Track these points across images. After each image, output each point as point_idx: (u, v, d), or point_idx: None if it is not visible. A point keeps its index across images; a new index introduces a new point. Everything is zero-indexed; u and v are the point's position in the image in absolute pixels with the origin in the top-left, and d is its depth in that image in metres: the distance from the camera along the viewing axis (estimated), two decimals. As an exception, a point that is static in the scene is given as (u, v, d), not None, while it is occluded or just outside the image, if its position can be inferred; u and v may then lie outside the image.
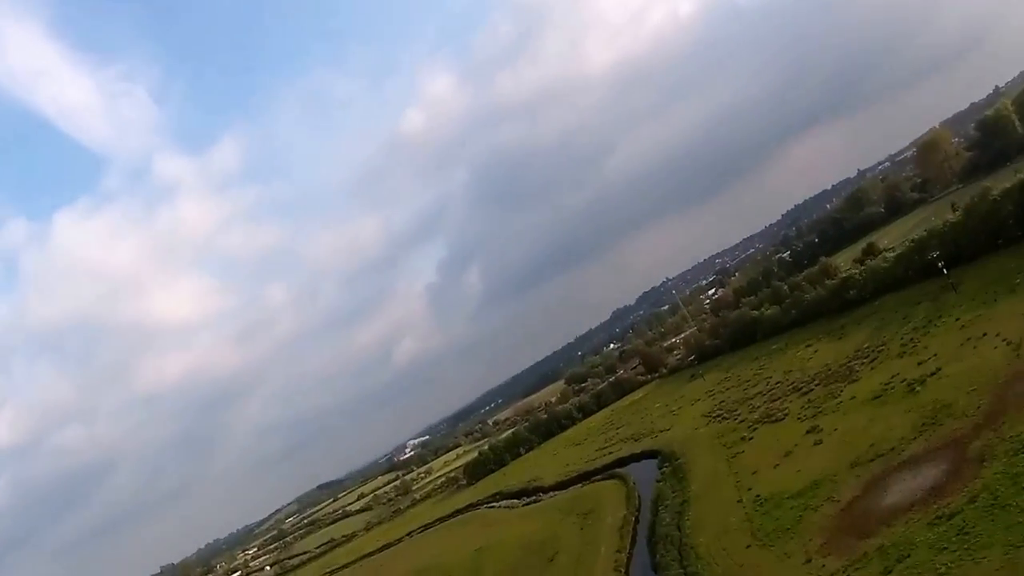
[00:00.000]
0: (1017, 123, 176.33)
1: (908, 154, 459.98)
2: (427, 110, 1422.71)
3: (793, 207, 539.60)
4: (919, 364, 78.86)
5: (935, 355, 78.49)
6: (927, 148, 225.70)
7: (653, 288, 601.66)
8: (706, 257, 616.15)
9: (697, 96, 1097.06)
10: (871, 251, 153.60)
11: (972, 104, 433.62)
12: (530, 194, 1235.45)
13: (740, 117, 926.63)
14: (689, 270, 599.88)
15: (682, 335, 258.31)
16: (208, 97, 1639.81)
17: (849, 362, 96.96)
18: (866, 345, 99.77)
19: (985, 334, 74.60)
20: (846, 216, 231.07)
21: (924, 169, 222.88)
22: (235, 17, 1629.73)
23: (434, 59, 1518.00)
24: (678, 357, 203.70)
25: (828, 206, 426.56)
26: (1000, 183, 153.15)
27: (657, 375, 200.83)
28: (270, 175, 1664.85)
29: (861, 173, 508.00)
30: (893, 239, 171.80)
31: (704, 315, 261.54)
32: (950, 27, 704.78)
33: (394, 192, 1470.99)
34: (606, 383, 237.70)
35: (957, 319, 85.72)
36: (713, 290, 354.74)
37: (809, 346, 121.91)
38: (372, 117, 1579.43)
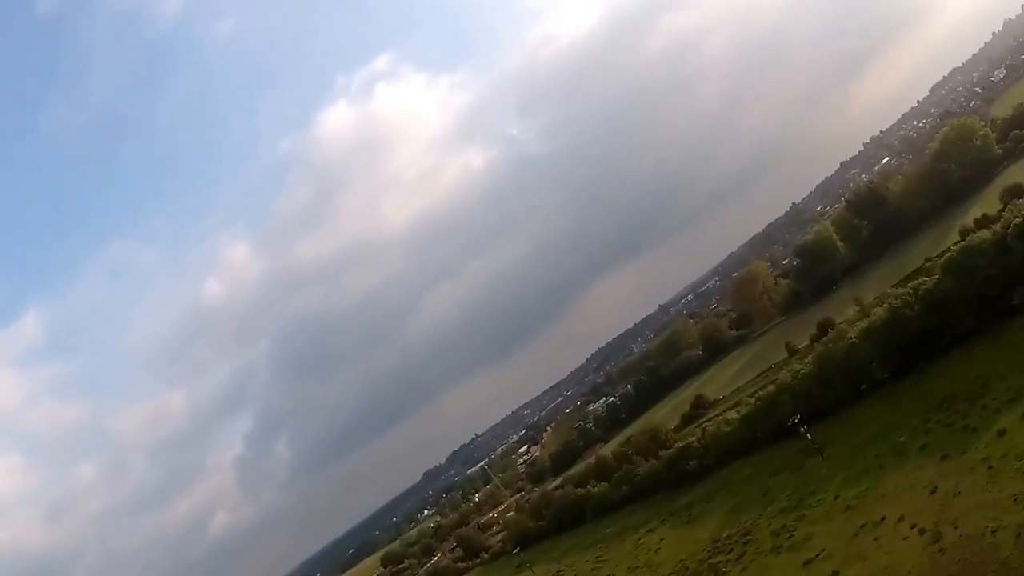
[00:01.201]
0: (840, 245, 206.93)
1: (711, 283, 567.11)
2: (227, 278, 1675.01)
3: (597, 349, 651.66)
4: (805, 564, 76.57)
5: (824, 550, 76.18)
6: (744, 282, 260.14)
7: (463, 446, 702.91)
8: (514, 409, 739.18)
9: (495, 247, 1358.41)
10: (700, 404, 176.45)
11: (768, 225, 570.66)
12: (335, 358, 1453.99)
13: (539, 264, 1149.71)
14: (498, 424, 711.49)
15: (500, 507, 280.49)
16: (7, 271, 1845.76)
17: (709, 558, 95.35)
18: (725, 534, 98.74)
19: (884, 518, 72.98)
20: (662, 363, 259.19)
21: (741, 304, 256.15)
22: (33, 184, 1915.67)
23: (233, 226, 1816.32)
24: (499, 539, 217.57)
25: (634, 346, 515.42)
26: (828, 311, 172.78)
27: (478, 561, 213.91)
28: (75, 348, 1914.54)
29: (663, 308, 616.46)
30: (720, 386, 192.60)
31: (521, 480, 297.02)
32: (740, 156, 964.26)
33: (198, 363, 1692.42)
34: (423, 571, 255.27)
35: (837, 496, 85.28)
36: (525, 447, 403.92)
37: (651, 531, 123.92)
38: (174, 287, 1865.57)
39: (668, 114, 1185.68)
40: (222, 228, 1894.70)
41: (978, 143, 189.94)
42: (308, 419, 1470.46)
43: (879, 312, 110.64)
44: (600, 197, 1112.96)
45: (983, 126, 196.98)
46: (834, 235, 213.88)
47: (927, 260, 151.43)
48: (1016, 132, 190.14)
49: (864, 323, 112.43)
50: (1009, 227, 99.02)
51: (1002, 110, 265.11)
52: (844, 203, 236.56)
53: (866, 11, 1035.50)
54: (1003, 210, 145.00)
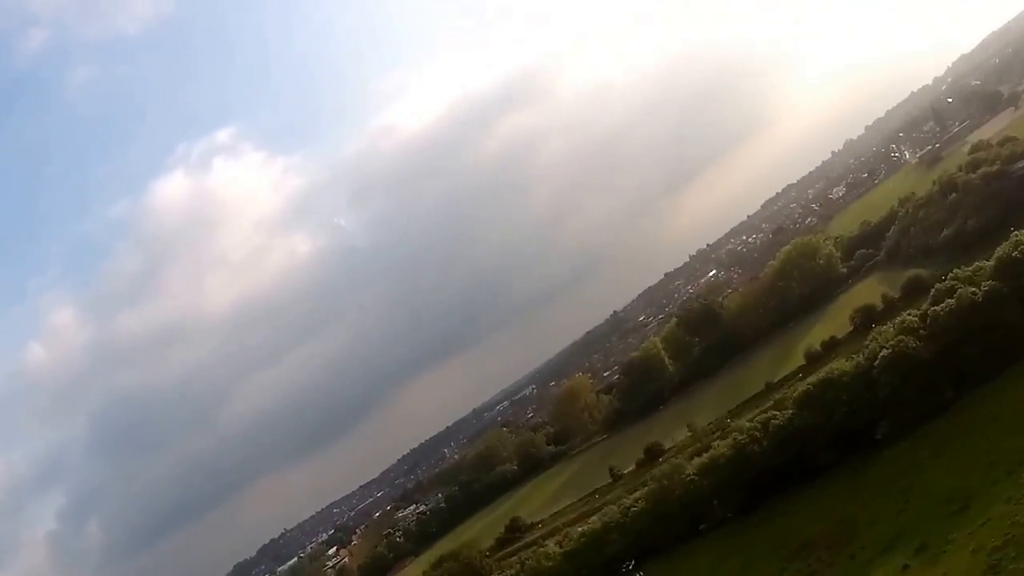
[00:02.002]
0: (668, 362, 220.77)
1: (528, 390, 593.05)
2: (49, 345, 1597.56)
3: (410, 451, 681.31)
4: None
5: None
6: (564, 397, 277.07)
7: (273, 540, 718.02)
8: (324, 507, 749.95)
9: (316, 338, 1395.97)
10: (517, 527, 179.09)
11: (588, 332, 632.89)
12: (153, 438, 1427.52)
13: (358, 359, 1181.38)
14: (308, 520, 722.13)
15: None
16: None
17: None
18: None
19: None
20: (475, 477, 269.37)
21: (561, 418, 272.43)
22: None
23: (57, 289, 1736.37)
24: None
25: (446, 451, 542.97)
26: (654, 431, 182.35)
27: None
28: None
29: (477, 412, 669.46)
30: (537, 507, 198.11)
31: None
32: (565, 260, 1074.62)
33: (16, 432, 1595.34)
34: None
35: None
36: (334, 549, 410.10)
37: None
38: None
39: (501, 214, 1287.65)
40: (48, 289, 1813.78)
41: (822, 262, 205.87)
42: (124, 499, 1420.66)
43: (722, 448, 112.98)
44: (424, 294, 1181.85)
45: (828, 245, 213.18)
46: (663, 352, 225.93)
47: (767, 384, 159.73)
48: (862, 251, 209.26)
49: (704, 458, 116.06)
50: (875, 359, 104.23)
51: (842, 227, 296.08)
52: (675, 320, 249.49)
53: (701, 124, 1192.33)
54: (853, 331, 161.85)
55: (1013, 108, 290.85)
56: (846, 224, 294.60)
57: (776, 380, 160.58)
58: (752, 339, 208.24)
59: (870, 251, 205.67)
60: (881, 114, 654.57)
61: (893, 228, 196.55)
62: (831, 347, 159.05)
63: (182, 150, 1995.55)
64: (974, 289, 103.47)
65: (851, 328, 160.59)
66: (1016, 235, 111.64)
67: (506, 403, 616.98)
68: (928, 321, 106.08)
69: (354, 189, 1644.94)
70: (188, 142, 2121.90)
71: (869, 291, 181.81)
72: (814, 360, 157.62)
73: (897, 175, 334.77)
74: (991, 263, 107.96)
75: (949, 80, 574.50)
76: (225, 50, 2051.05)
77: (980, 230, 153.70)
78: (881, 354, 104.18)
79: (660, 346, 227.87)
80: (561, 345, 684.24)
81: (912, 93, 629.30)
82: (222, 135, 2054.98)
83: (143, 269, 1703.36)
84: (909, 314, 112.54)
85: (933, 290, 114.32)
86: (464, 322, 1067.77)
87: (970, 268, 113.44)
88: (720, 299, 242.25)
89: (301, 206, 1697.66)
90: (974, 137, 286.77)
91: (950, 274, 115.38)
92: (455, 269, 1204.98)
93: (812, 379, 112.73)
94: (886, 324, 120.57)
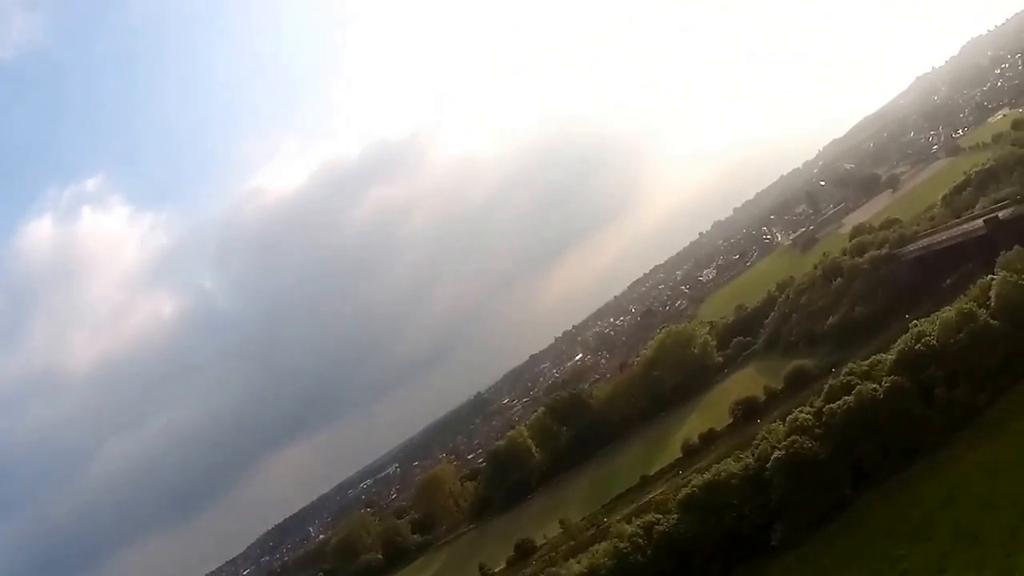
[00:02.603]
0: (535, 450, 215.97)
1: (392, 469, 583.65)
2: None
3: (274, 526, 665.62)
4: None
5: None
6: (428, 484, 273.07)
7: None
8: None
9: (177, 402, 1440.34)
10: None
11: (451, 411, 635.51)
12: (6, 495, 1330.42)
13: (220, 427, 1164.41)
14: None
15: None
16: None
17: None
18: None
19: None
20: (339, 565, 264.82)
21: (425, 506, 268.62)
22: None
23: None
24: None
25: (311, 528, 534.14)
26: (522, 522, 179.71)
27: None
28: None
29: (341, 488, 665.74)
30: None
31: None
32: (430, 336, 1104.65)
33: None
34: None
35: None
36: None
37: None
38: None
39: (365, 285, 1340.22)
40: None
41: (696, 350, 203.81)
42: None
43: (602, 556, 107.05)
44: (288, 363, 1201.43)
45: (702, 332, 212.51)
46: (529, 440, 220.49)
47: (643, 477, 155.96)
48: (738, 339, 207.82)
49: (583, 566, 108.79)
50: (767, 460, 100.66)
51: (714, 311, 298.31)
52: (542, 408, 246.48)
53: (571, 200, 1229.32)
54: (734, 424, 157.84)
55: (891, 191, 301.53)
56: (718, 308, 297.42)
57: (652, 473, 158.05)
58: (623, 428, 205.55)
59: (747, 339, 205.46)
60: (750, 196, 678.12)
61: (772, 315, 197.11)
62: (710, 440, 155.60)
63: (52, 194, 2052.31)
64: (875, 385, 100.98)
65: (731, 421, 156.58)
66: (916, 326, 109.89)
67: (370, 481, 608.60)
68: (823, 419, 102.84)
69: (220, 250, 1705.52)
70: (58, 186, 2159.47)
71: (747, 381, 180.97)
72: (692, 453, 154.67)
73: (770, 257, 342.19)
74: (891, 356, 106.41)
75: (820, 163, 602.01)
76: (99, 94, 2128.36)
77: (869, 317, 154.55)
78: (774, 455, 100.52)
79: (526, 434, 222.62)
80: (424, 423, 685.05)
81: (782, 176, 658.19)
82: (91, 184, 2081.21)
83: (5, 313, 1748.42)
84: (802, 411, 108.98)
85: (827, 386, 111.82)
86: (329, 393, 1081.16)
87: (866, 362, 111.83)
88: (588, 387, 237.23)
89: (166, 265, 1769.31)
90: (850, 220, 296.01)
91: (845, 369, 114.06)
92: (319, 338, 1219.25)
93: (698, 481, 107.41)
94: (775, 421, 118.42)
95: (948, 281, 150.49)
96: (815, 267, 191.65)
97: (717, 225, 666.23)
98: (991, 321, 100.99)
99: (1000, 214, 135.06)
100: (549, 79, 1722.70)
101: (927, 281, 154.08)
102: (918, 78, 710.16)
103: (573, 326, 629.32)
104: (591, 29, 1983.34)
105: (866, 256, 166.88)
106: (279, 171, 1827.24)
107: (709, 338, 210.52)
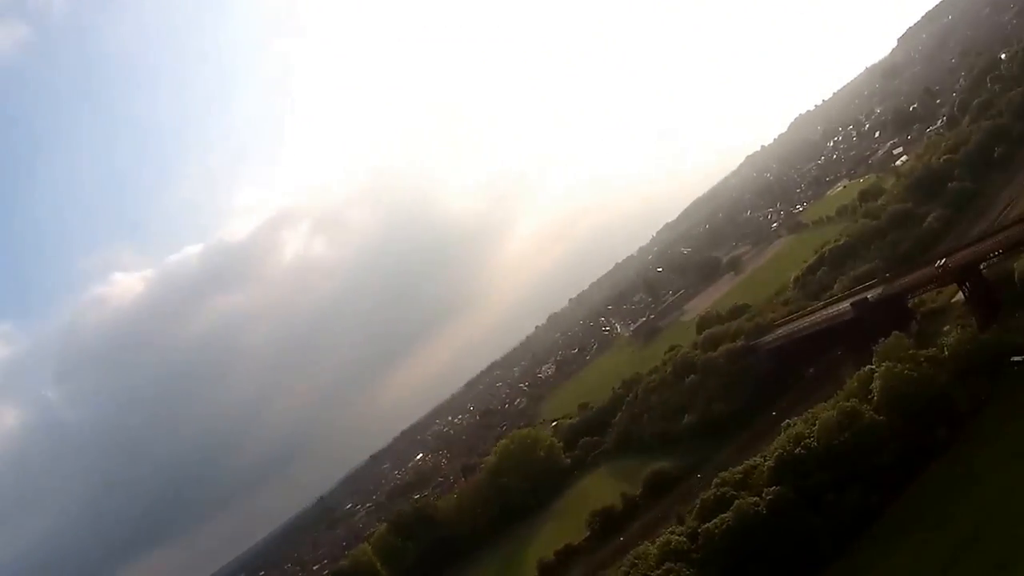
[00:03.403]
0: (381, 569, 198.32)
1: None
2: None
3: None
4: None
5: None
6: None
7: None
8: None
9: (18, 520, 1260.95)
10: None
11: (296, 516, 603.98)
12: None
13: (67, 538, 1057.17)
14: None
15: None
16: None
17: None
18: None
19: None
20: None
21: None
22: None
23: None
24: None
25: None
26: None
27: None
28: None
29: None
30: None
31: None
32: (272, 443, 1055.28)
33: None
34: None
35: None
36: None
37: None
38: None
39: (207, 393, 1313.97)
40: None
41: (543, 454, 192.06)
42: None
43: None
44: (130, 475, 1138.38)
45: (548, 435, 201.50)
46: (374, 558, 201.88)
47: None
48: (586, 439, 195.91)
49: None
50: None
51: (556, 409, 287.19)
52: (385, 524, 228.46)
53: (407, 301, 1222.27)
54: (591, 537, 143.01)
55: (734, 273, 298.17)
56: (560, 405, 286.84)
57: None
58: (473, 542, 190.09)
59: (595, 439, 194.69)
60: (585, 287, 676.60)
61: (620, 414, 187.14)
62: (568, 556, 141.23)
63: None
64: (755, 498, 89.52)
65: (588, 533, 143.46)
66: (790, 426, 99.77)
67: None
68: (700, 541, 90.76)
69: (63, 362, 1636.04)
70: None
71: (601, 484, 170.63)
72: (549, 571, 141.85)
73: (611, 351, 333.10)
74: (769, 463, 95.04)
75: (655, 249, 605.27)
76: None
77: (730, 414, 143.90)
78: None
79: (370, 552, 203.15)
80: (269, 529, 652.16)
81: (617, 264, 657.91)
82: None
83: None
84: (673, 531, 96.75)
85: (699, 501, 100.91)
86: (173, 503, 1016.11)
87: (740, 469, 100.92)
88: (433, 497, 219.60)
89: (8, 377, 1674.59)
90: (692, 306, 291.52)
91: (717, 479, 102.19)
92: (163, 450, 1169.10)
93: None
94: (642, 543, 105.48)
95: (812, 370, 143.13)
96: (664, 363, 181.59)
97: (553, 318, 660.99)
98: (877, 417, 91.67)
99: (869, 295, 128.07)
100: (383, 180, 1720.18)
101: (789, 371, 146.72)
102: (748, 157, 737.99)
103: (411, 425, 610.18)
104: (419, 110, 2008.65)
105: (721, 350, 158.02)
106: (121, 281, 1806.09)
107: (555, 440, 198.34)
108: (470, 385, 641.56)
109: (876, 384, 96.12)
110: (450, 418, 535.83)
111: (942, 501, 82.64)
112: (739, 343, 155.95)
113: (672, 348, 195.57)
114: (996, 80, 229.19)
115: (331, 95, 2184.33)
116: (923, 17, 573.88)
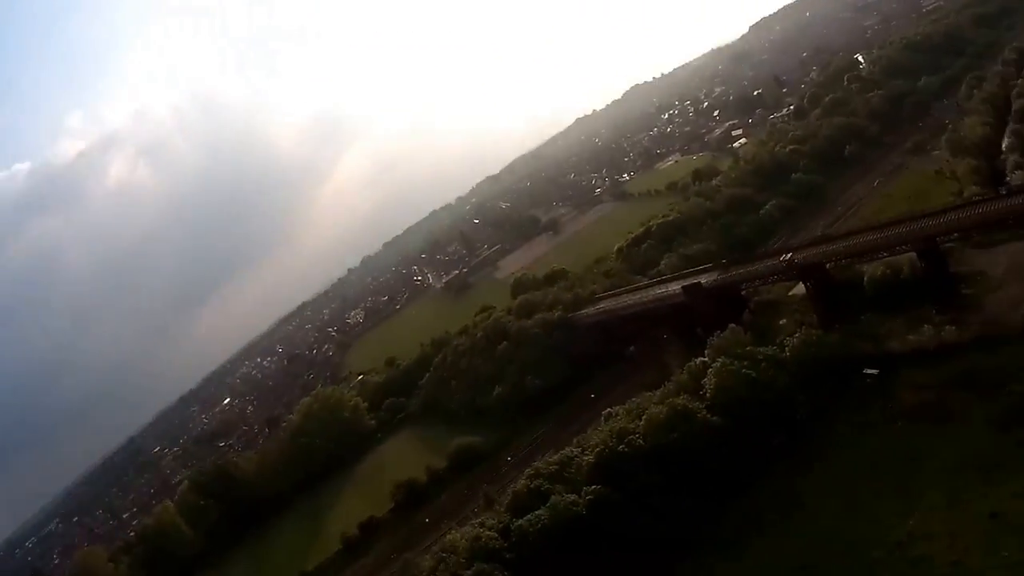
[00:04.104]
0: (186, 529, 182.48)
1: (53, 525, 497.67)
2: None
3: None
4: None
5: None
6: (81, 571, 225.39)
7: None
8: None
9: None
10: None
11: (105, 459, 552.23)
12: None
13: None
14: None
15: None
16: None
17: None
18: None
19: None
20: None
21: None
22: None
23: None
24: None
25: None
26: None
27: None
28: None
29: (9, 545, 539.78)
30: None
31: None
32: (85, 381, 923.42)
33: None
34: None
35: None
36: None
37: None
38: None
39: (18, 327, 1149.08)
40: None
41: (347, 415, 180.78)
42: None
43: None
44: None
45: (353, 396, 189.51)
46: (178, 518, 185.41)
47: (301, 573, 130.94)
48: (391, 400, 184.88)
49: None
50: None
51: (363, 359, 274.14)
52: (186, 483, 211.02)
53: (225, 239, 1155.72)
54: (395, 509, 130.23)
55: (552, 233, 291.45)
56: (367, 355, 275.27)
57: (310, 569, 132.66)
58: (277, 503, 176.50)
59: (400, 400, 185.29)
60: (400, 231, 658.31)
61: (428, 376, 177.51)
62: (370, 530, 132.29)
63: None
64: (574, 497, 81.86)
65: (392, 505, 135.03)
66: (612, 418, 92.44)
67: (34, 539, 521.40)
68: (513, 539, 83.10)
69: None
70: None
71: (405, 449, 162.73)
72: (352, 546, 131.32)
73: (421, 302, 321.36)
74: (589, 458, 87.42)
75: (474, 200, 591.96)
76: None
77: (543, 390, 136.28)
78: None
79: (174, 511, 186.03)
80: (81, 470, 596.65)
81: (434, 211, 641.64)
82: None
83: None
84: (484, 524, 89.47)
85: (511, 493, 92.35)
86: None
87: (556, 460, 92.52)
88: (235, 455, 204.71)
89: None
90: (506, 263, 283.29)
91: (530, 470, 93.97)
92: None
93: None
94: (454, 531, 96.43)
95: (633, 349, 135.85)
96: (475, 325, 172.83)
97: (367, 261, 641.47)
98: (711, 418, 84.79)
99: (703, 280, 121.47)
100: (215, 99, 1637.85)
101: (609, 349, 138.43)
102: (578, 119, 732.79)
103: (222, 365, 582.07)
104: (252, 44, 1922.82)
105: (536, 319, 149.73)
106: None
107: (360, 400, 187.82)
108: (282, 323, 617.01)
109: (710, 381, 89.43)
110: (259, 359, 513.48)
111: (776, 517, 77.19)
112: (556, 314, 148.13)
113: (484, 309, 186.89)
114: (854, 80, 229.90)
115: (164, 23, 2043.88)
116: (780, 9, 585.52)
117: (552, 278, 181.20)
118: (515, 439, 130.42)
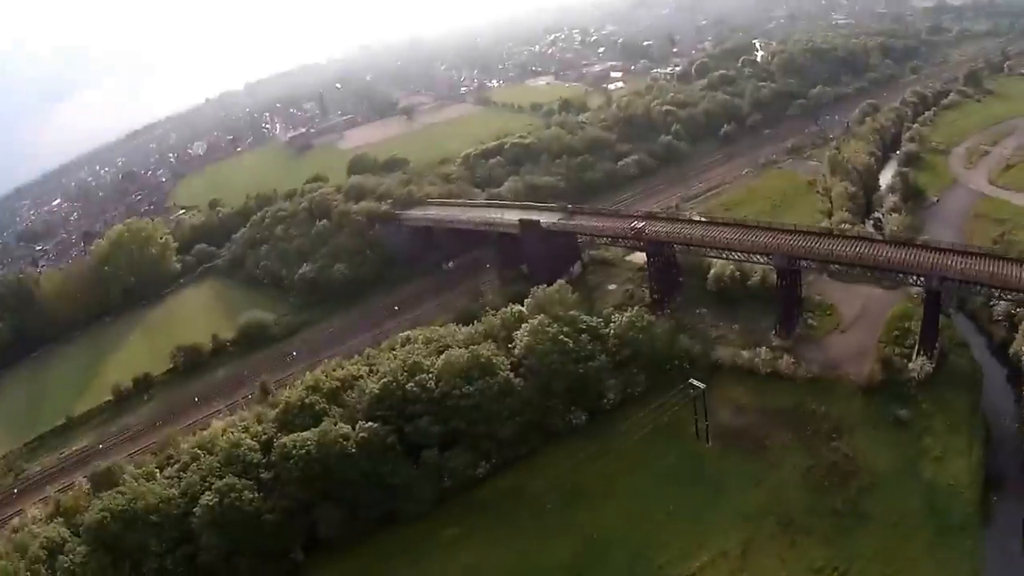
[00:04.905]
0: None
1: None
2: None
3: None
4: None
5: None
6: None
7: None
8: None
9: None
10: None
11: None
12: None
13: None
14: None
15: None
16: None
17: None
18: None
19: None
20: None
21: None
22: None
23: None
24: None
25: None
26: None
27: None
28: None
29: None
30: None
31: None
32: None
33: None
34: None
35: None
36: None
37: None
38: None
39: None
40: None
41: (155, 251, 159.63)
42: None
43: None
44: None
45: (164, 234, 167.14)
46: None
47: (68, 419, 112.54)
48: (202, 247, 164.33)
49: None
50: (196, 497, 67.60)
51: (192, 194, 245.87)
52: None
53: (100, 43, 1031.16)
54: (173, 371, 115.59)
55: (407, 118, 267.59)
56: (196, 190, 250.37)
57: (77, 415, 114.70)
58: (68, 330, 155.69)
59: (211, 248, 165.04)
60: (264, 75, 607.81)
61: (242, 232, 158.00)
62: (143, 387, 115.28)
63: None
64: (348, 430, 70.35)
65: (171, 366, 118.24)
66: (409, 342, 79.01)
67: None
68: (273, 459, 70.87)
69: None
70: None
71: (198, 303, 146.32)
72: (122, 400, 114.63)
73: (263, 150, 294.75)
74: (374, 386, 74.95)
75: (342, 64, 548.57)
76: None
77: (350, 281, 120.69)
78: (204, 498, 67.66)
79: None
80: None
81: (303, 65, 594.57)
82: None
83: None
84: (248, 429, 76.34)
85: (283, 401, 78.17)
86: None
87: (338, 374, 79.95)
88: (37, 273, 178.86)
89: None
90: (353, 135, 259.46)
91: (308, 377, 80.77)
92: None
93: (113, 503, 69.80)
94: (219, 418, 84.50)
95: (452, 264, 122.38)
96: (301, 193, 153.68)
97: (225, 96, 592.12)
98: (513, 379, 71.75)
99: (543, 221, 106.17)
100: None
101: (428, 257, 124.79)
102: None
103: (67, 163, 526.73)
104: None
105: (363, 206, 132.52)
106: None
107: (171, 240, 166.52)
108: (131, 136, 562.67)
109: (522, 338, 75.92)
110: (98, 168, 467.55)
111: (553, 499, 66.57)
112: (384, 207, 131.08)
113: (316, 179, 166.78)
114: (749, 64, 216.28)
115: None
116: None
117: (391, 165, 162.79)
118: (308, 326, 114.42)
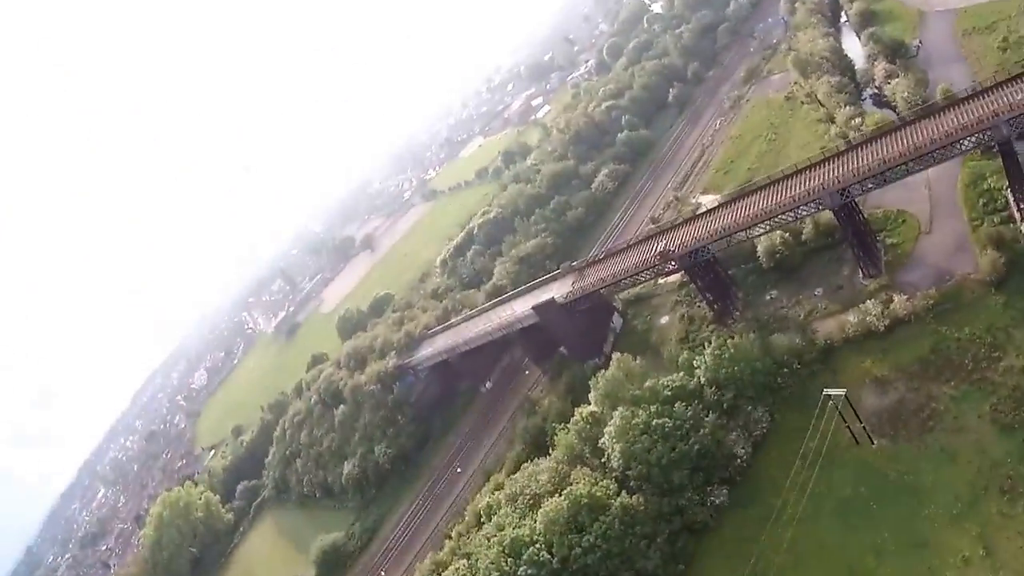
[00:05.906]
0: None
1: None
2: None
3: None
4: None
5: None
6: None
7: None
8: None
9: None
10: None
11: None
12: None
13: None
14: None
15: None
16: None
17: None
18: None
19: None
20: None
21: None
22: None
23: None
24: None
25: None
26: None
27: None
28: None
29: None
30: None
31: None
32: None
33: None
34: None
35: None
36: None
37: None
38: None
39: None
40: None
41: (200, 514, 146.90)
42: None
43: None
44: None
45: (203, 491, 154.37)
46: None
47: None
48: (244, 484, 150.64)
49: None
50: None
51: (213, 427, 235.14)
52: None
53: None
54: None
55: (370, 251, 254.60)
56: (215, 424, 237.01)
57: None
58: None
59: (252, 482, 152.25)
60: (229, 277, 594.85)
61: (273, 453, 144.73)
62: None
63: None
64: None
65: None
66: (491, 510, 66.68)
67: None
68: None
69: None
70: None
71: (265, 549, 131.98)
72: None
73: (256, 351, 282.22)
74: None
75: (291, 229, 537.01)
76: None
77: (395, 457, 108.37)
78: None
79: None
80: None
81: (253, 248, 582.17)
82: None
83: None
84: None
85: None
86: None
87: None
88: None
89: None
90: (330, 293, 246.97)
91: None
92: None
93: None
94: None
95: (489, 385, 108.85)
96: (308, 385, 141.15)
97: (205, 316, 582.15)
98: (628, 499, 59.65)
99: (557, 297, 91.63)
100: None
101: (459, 390, 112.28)
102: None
103: (91, 454, 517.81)
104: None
105: (370, 373, 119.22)
106: None
107: (211, 494, 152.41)
108: (135, 398, 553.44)
109: (613, 447, 61.76)
110: (123, 440, 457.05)
111: None
112: (390, 362, 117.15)
113: (315, 361, 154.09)
114: (655, 20, 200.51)
115: None
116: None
117: (377, 307, 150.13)
118: (380, 523, 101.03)
